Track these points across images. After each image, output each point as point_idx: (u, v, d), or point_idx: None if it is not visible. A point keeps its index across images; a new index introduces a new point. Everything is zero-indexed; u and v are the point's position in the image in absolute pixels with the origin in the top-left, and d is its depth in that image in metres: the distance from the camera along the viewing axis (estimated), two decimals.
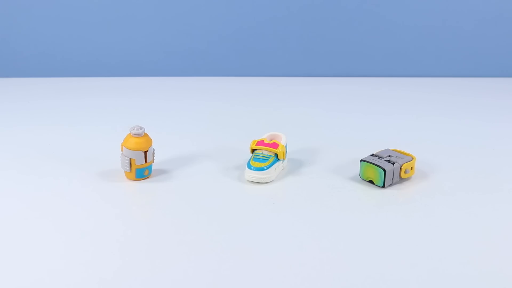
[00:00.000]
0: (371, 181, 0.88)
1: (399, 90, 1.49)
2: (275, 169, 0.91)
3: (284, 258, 0.68)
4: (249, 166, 0.90)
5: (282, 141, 0.95)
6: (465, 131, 1.16)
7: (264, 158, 0.90)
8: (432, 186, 0.89)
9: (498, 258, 0.68)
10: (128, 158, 0.88)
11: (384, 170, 0.85)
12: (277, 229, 0.75)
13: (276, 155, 0.91)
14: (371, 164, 0.87)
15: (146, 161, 0.89)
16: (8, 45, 1.63)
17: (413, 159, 0.90)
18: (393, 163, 0.87)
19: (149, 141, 0.89)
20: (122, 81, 1.60)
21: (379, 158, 0.89)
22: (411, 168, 0.89)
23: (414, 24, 1.58)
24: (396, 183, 0.89)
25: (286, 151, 0.94)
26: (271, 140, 0.94)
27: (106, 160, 0.97)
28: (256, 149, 0.93)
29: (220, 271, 0.65)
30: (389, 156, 0.90)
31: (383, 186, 0.87)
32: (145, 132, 0.89)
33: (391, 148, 0.97)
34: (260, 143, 0.93)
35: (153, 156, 0.91)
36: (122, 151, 0.89)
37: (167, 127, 1.18)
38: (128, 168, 0.88)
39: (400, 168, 0.87)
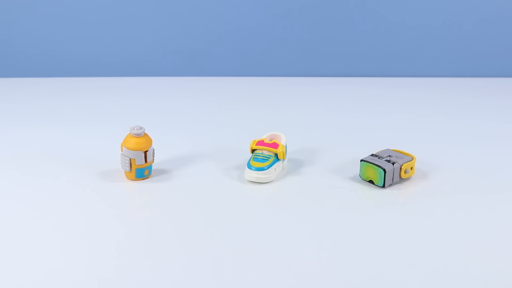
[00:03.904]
0: (371, 181, 0.88)
1: (399, 90, 1.49)
2: (275, 169, 0.91)
3: (284, 258, 0.68)
4: (249, 166, 0.90)
5: (282, 141, 0.95)
6: (465, 131, 1.16)
7: (264, 158, 0.90)
8: (432, 186, 0.89)
9: (498, 258, 0.68)
10: (128, 158, 0.88)
11: (384, 170, 0.85)
12: (277, 229, 0.75)
13: (276, 155, 0.91)
14: (371, 164, 0.87)
15: (146, 161, 0.89)
16: (8, 45, 1.63)
17: (413, 159, 0.90)
18: (393, 163, 0.87)
19: (149, 141, 0.89)
20: (122, 81, 1.60)
21: (379, 158, 0.89)
22: (411, 168, 0.89)
23: (414, 24, 1.58)
24: (396, 183, 0.88)
25: (286, 151, 0.94)
26: (271, 140, 0.94)
27: (106, 160, 0.97)
28: (256, 149, 0.93)
29: (220, 271, 0.65)
30: (389, 156, 0.90)
31: (383, 186, 0.87)
32: (145, 132, 0.89)
33: (391, 148, 0.97)
34: (260, 143, 0.93)
35: (153, 156, 0.91)
36: (122, 151, 0.89)
37: (167, 127, 1.18)
38: (128, 168, 0.88)
39: (400, 168, 0.87)
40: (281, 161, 0.93)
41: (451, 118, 1.25)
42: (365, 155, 0.93)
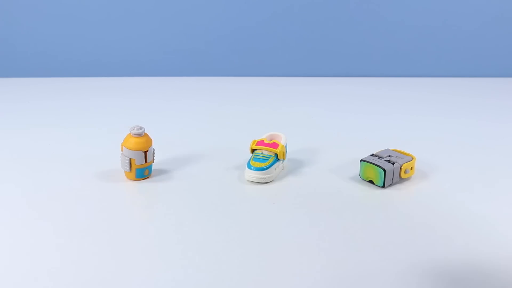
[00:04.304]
0: (371, 181, 0.88)
1: (399, 90, 1.49)
2: (275, 169, 0.91)
3: (284, 258, 0.68)
4: (249, 166, 0.90)
5: (282, 141, 0.95)
6: (464, 131, 1.16)
7: (264, 158, 0.90)
8: (432, 186, 0.89)
9: (498, 259, 0.68)
10: (128, 158, 0.88)
11: (384, 170, 0.85)
12: (277, 229, 0.75)
13: (276, 155, 0.91)
14: (371, 164, 0.87)
15: (146, 161, 0.89)
16: (8, 45, 1.63)
17: (413, 159, 0.90)
18: (393, 163, 0.87)
19: (149, 141, 0.89)
20: (122, 81, 1.60)
21: (379, 158, 0.89)
22: (411, 168, 0.89)
23: (414, 24, 1.58)
24: (396, 183, 0.88)
25: (286, 151, 0.94)
26: (271, 140, 0.93)
27: (106, 160, 0.97)
28: (256, 149, 0.93)
29: (220, 271, 0.65)
30: (389, 156, 0.90)
31: (383, 186, 0.86)
32: (145, 132, 0.89)
33: (391, 148, 0.96)
34: (260, 143, 0.93)
35: (153, 156, 0.91)
36: (122, 151, 0.89)
37: (167, 127, 1.18)
38: (128, 168, 0.88)
39: (400, 168, 0.87)
40: (281, 161, 0.93)
41: (451, 118, 1.25)
42: (365, 155, 0.93)
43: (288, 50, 1.62)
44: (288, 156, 0.99)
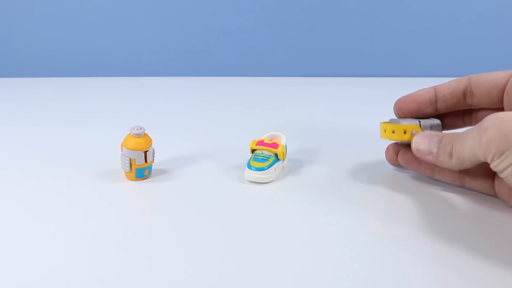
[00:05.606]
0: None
1: (399, 90, 1.48)
2: (275, 169, 0.91)
3: (284, 258, 0.68)
4: (249, 166, 0.90)
5: (282, 141, 0.95)
6: (463, 129, 1.16)
7: (264, 158, 0.90)
8: (432, 186, 0.89)
9: (499, 259, 0.68)
10: (128, 158, 0.88)
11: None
12: (277, 229, 0.75)
13: (276, 155, 0.91)
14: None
15: (146, 161, 0.89)
16: (8, 45, 1.63)
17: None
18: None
19: (149, 141, 0.89)
20: (122, 81, 1.60)
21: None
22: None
23: (414, 24, 1.58)
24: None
25: (286, 151, 0.94)
26: (271, 140, 0.93)
27: (106, 160, 0.97)
28: (256, 149, 0.93)
29: (220, 271, 0.65)
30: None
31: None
32: (145, 132, 0.89)
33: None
34: (260, 143, 0.93)
35: (153, 156, 0.91)
36: (122, 151, 0.89)
37: (167, 127, 1.18)
38: (128, 168, 0.88)
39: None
40: (281, 161, 0.93)
41: None
42: (365, 155, 0.93)
43: (288, 50, 1.62)
44: (288, 156, 0.99)
